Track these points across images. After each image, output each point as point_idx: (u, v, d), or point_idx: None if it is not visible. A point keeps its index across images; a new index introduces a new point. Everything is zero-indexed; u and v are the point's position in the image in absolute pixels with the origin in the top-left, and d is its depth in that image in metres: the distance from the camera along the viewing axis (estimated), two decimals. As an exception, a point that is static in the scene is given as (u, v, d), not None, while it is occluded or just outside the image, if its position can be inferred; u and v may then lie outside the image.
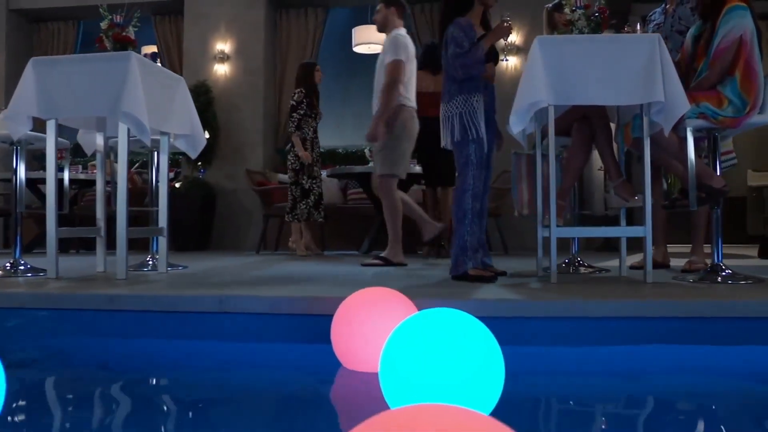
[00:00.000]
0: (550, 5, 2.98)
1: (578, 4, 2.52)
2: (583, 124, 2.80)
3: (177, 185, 5.70)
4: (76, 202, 5.62)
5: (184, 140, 3.05)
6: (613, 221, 4.35)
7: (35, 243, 5.22)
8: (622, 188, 2.65)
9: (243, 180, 5.97)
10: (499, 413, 1.08)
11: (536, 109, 2.29)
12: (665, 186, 3.01)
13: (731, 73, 2.23)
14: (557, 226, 2.40)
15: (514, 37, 5.83)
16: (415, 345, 1.10)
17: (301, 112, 4.62)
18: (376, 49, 6.52)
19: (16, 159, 2.86)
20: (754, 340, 1.66)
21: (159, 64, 2.92)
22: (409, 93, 3.46)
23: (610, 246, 5.53)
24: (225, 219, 6.11)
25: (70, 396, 1.52)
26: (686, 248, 3.09)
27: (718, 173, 2.35)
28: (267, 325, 1.88)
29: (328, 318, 1.75)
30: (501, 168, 4.89)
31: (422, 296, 1.78)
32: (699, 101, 2.26)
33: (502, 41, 2.62)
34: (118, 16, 2.79)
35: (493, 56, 2.54)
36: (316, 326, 1.81)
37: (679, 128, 2.29)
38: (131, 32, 2.80)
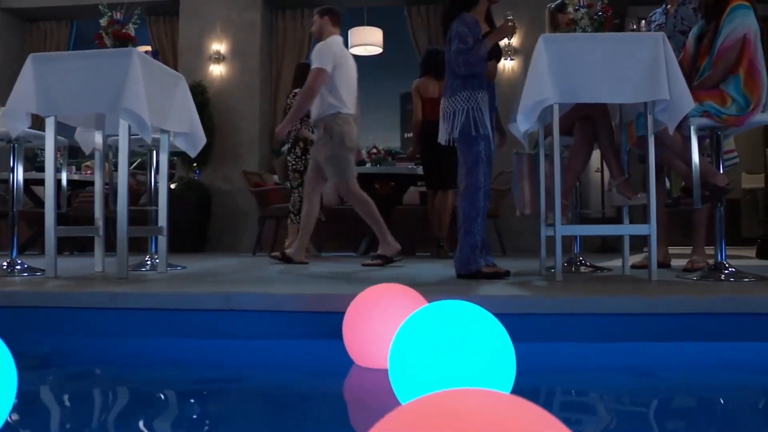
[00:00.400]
0: (553, 5, 2.99)
1: (581, 4, 2.53)
2: (584, 124, 2.82)
3: (172, 186, 5.66)
4: (70, 203, 5.57)
5: (183, 139, 3.03)
6: (610, 222, 4.39)
7: (28, 244, 5.16)
8: (624, 186, 2.66)
9: (238, 181, 5.95)
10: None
11: (543, 107, 2.29)
12: (667, 185, 3.02)
13: (735, 71, 2.25)
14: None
15: (512, 39, 5.86)
16: (425, 337, 1.09)
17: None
18: (372, 50, 6.54)
19: (13, 157, 2.83)
20: None
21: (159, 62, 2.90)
22: (346, 99, 3.54)
23: (607, 247, 5.56)
24: (220, 221, 6.07)
25: (74, 396, 1.50)
26: (683, 249, 3.12)
27: (721, 172, 2.37)
28: (274, 323, 1.86)
29: (337, 315, 1.74)
30: (498, 169, 4.90)
31: (430, 293, 1.78)
32: (703, 100, 2.28)
33: (501, 41, 2.63)
34: (118, 13, 2.77)
35: (495, 54, 2.54)
36: (326, 324, 1.80)
37: (683, 127, 2.30)
38: (131, 29, 2.79)
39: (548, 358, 1.70)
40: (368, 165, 5.07)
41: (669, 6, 2.98)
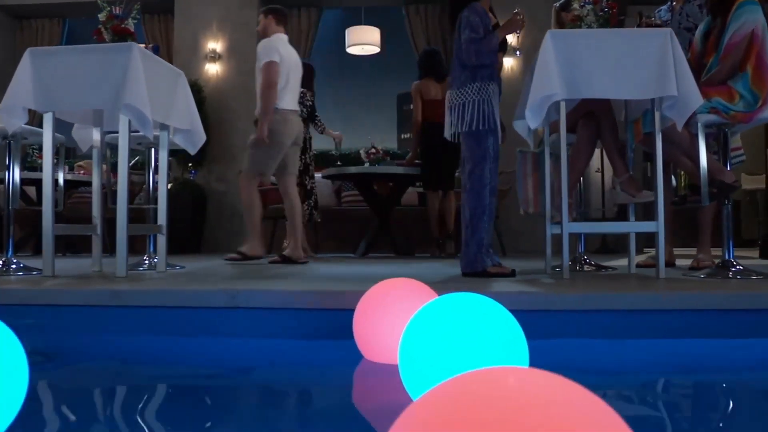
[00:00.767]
0: (558, 4, 3.01)
1: (587, 0, 2.54)
2: (588, 121, 2.83)
3: (168, 186, 5.63)
4: (63, 203, 5.52)
5: (183, 136, 3.02)
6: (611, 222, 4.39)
7: (20, 245, 5.11)
8: (628, 184, 2.67)
9: (234, 181, 5.92)
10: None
11: (550, 102, 2.30)
12: (674, 182, 3.04)
13: (742, 68, 2.26)
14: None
15: (510, 38, 5.89)
16: (435, 329, 1.08)
17: (315, 114, 4.67)
18: (370, 50, 6.55)
19: (9, 154, 2.80)
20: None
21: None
22: (284, 95, 3.65)
23: (607, 248, 5.58)
24: (216, 221, 6.05)
25: (77, 394, 1.48)
26: (685, 251, 3.13)
27: (728, 169, 2.38)
28: (282, 321, 1.85)
29: (346, 312, 1.73)
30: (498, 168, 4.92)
31: (439, 289, 1.77)
32: (710, 96, 2.29)
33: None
34: (117, 8, 2.75)
35: (501, 46, 2.54)
36: (334, 321, 1.79)
37: (690, 123, 2.31)
38: (130, 24, 2.77)
39: (560, 355, 1.70)
40: (366, 165, 5.06)
41: (674, 3, 3.00)
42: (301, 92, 4.61)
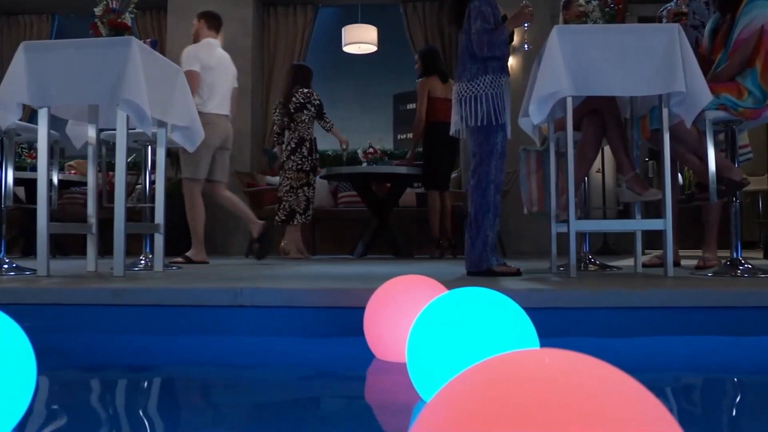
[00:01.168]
0: (563, 2, 3.02)
1: (593, -4, 2.55)
2: (593, 118, 2.83)
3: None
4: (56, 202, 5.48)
5: (181, 133, 3.00)
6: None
7: (7, 247, 5.06)
8: (634, 182, 2.68)
9: (229, 181, 5.89)
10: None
11: (556, 99, 2.30)
12: (680, 181, 3.05)
13: (751, 64, 2.28)
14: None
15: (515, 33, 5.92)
16: (445, 324, 1.07)
17: (323, 111, 4.67)
18: (366, 48, 6.55)
19: (2, 151, 2.77)
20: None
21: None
22: (210, 99, 3.86)
23: (608, 249, 5.60)
24: (210, 222, 5.99)
25: (79, 396, 1.46)
26: (688, 252, 3.14)
27: (736, 166, 2.40)
28: (286, 320, 1.84)
29: (353, 311, 1.72)
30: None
31: (449, 286, 1.77)
32: (719, 93, 2.30)
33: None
34: (114, 2, 2.73)
35: (510, 38, 2.54)
36: (340, 320, 1.78)
37: (698, 120, 2.33)
38: (127, 19, 2.76)
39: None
40: (365, 165, 5.06)
41: (680, 0, 3.02)
42: (308, 91, 4.62)
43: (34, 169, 4.80)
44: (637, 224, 2.73)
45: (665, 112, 2.30)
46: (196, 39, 3.97)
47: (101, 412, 1.31)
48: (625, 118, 2.80)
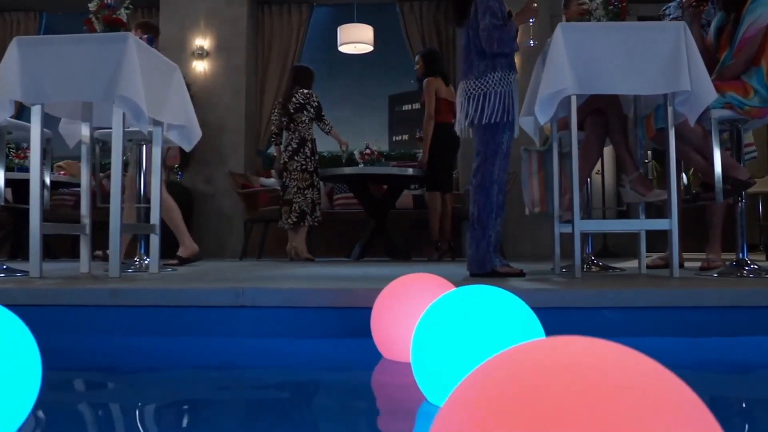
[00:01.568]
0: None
1: (596, -6, 2.57)
2: (597, 118, 2.85)
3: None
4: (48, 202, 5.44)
5: (177, 132, 2.99)
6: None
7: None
8: (638, 182, 2.69)
9: (222, 184, 5.89)
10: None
11: (561, 97, 2.31)
12: (685, 181, 3.08)
13: (757, 63, 2.30)
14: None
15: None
16: (450, 321, 1.06)
17: (322, 114, 4.67)
18: (362, 48, 6.56)
19: (-7, 149, 2.75)
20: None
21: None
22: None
23: (607, 251, 5.62)
24: (203, 225, 5.99)
25: (81, 400, 1.45)
26: (691, 255, 3.15)
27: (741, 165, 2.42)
28: (289, 320, 1.83)
29: (356, 311, 1.72)
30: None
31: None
32: (724, 91, 2.32)
33: None
34: (109, -3, 2.72)
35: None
36: (343, 320, 1.78)
37: (703, 119, 2.34)
38: (123, 15, 2.75)
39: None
40: (361, 165, 5.05)
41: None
42: (307, 92, 4.63)
43: (21, 169, 4.77)
44: (643, 224, 2.74)
45: (670, 110, 2.31)
46: None
47: (101, 413, 1.30)
48: (626, 114, 2.82)
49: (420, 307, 1.40)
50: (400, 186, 5.13)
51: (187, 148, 3.06)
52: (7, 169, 4.89)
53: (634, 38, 2.31)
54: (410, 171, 4.89)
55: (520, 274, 2.45)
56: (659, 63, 2.26)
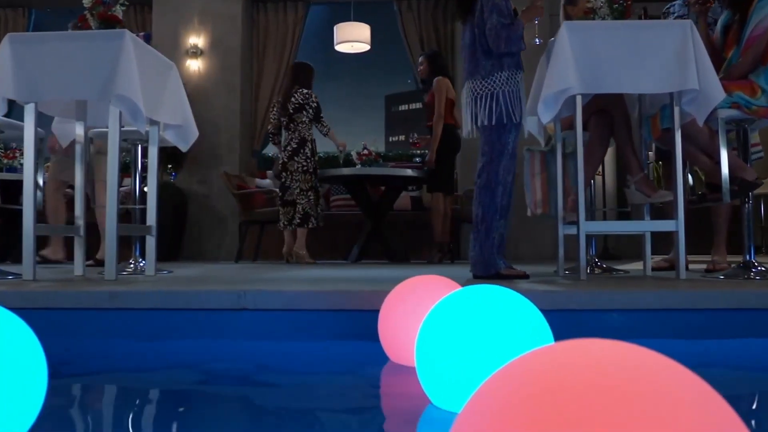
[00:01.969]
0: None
1: (600, -9, 2.58)
2: (601, 117, 2.86)
3: (146, 189, 5.54)
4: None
5: (174, 131, 2.97)
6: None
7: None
8: (643, 183, 2.70)
9: (217, 184, 5.86)
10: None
11: (566, 96, 2.32)
12: (691, 181, 3.09)
13: (764, 61, 2.31)
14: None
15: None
16: (455, 322, 1.06)
17: (321, 115, 4.66)
18: (359, 47, 6.56)
19: (-16, 149, 2.73)
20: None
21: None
22: None
23: (608, 254, 5.64)
24: (197, 226, 5.97)
25: (83, 406, 1.44)
26: (693, 257, 3.15)
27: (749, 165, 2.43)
28: (291, 323, 1.83)
29: (359, 313, 1.71)
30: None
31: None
32: (731, 91, 2.33)
33: None
34: (105, -6, 2.71)
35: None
36: (346, 323, 1.78)
37: (710, 119, 2.35)
38: (118, 11, 2.73)
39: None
40: (358, 166, 5.05)
41: (687, -1, 3.06)
42: (307, 92, 4.61)
43: (10, 170, 4.74)
44: (649, 225, 2.75)
45: (677, 110, 2.32)
46: None
47: (103, 416, 1.29)
48: (631, 114, 2.82)
49: (429, 310, 1.40)
50: (398, 187, 5.13)
51: (184, 148, 3.05)
52: (-4, 170, 4.89)
53: (640, 36, 2.32)
54: (409, 172, 4.90)
55: (525, 277, 2.45)
56: (666, 61, 2.27)
